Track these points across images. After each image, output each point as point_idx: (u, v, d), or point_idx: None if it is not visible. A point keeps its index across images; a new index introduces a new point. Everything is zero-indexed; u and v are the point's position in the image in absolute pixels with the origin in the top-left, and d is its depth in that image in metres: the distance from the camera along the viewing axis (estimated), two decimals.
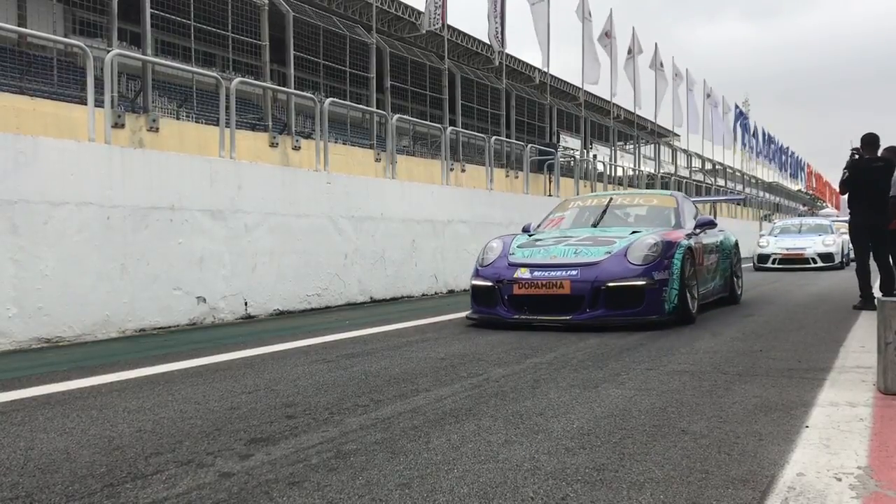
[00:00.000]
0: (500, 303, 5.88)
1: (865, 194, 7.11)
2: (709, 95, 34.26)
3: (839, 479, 2.12)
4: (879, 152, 7.24)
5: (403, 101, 17.59)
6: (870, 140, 7.28)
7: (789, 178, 55.22)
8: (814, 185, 63.07)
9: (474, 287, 6.20)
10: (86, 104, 6.14)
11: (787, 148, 53.04)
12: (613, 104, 26.92)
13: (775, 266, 15.18)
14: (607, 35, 25.19)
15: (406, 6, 18.79)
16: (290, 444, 2.55)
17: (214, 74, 8.39)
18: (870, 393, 3.28)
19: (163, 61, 10.75)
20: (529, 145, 14.71)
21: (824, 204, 60.11)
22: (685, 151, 32.70)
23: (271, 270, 7.08)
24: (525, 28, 20.68)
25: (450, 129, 12.28)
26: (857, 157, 7.22)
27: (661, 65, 29.09)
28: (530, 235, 6.80)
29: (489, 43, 20.15)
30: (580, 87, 24.97)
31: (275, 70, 14.34)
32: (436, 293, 9.54)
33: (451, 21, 18.59)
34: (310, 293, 7.54)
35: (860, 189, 7.18)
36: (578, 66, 23.58)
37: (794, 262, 15.10)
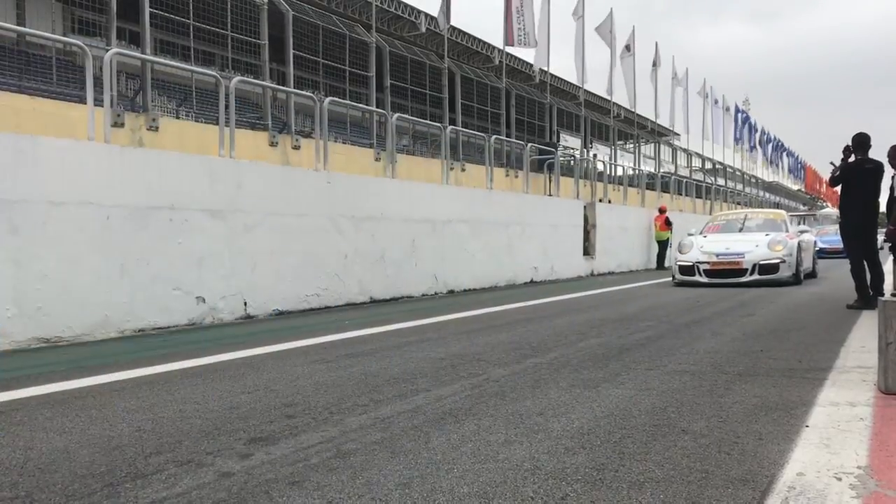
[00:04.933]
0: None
1: (856, 195, 7.16)
2: (707, 95, 34.23)
3: (839, 479, 2.12)
4: (885, 153, 7.27)
5: (403, 100, 17.57)
6: (861, 141, 7.31)
7: (792, 178, 55.22)
8: (821, 191, 62.94)
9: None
10: (85, 103, 6.13)
11: (788, 148, 53.04)
12: (613, 103, 26.90)
13: (707, 280, 10.70)
14: (610, 32, 25.17)
15: (406, 5, 18.77)
16: (289, 444, 2.55)
17: (214, 73, 8.38)
18: (870, 393, 3.27)
19: (162, 60, 10.73)
20: (529, 144, 14.71)
21: (824, 204, 60.06)
22: (685, 151, 32.69)
23: (271, 270, 7.08)
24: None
25: (450, 128, 12.27)
26: (849, 157, 7.28)
27: (659, 64, 29.05)
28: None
29: (502, 46, 20.17)
30: (580, 85, 24.96)
31: (274, 69, 14.32)
32: (436, 293, 9.54)
33: (451, 20, 18.57)
34: (309, 293, 7.54)
35: (851, 190, 7.23)
36: (579, 65, 23.56)
37: (727, 275, 10.62)
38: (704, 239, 11.42)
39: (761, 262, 10.37)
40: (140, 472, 2.26)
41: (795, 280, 10.53)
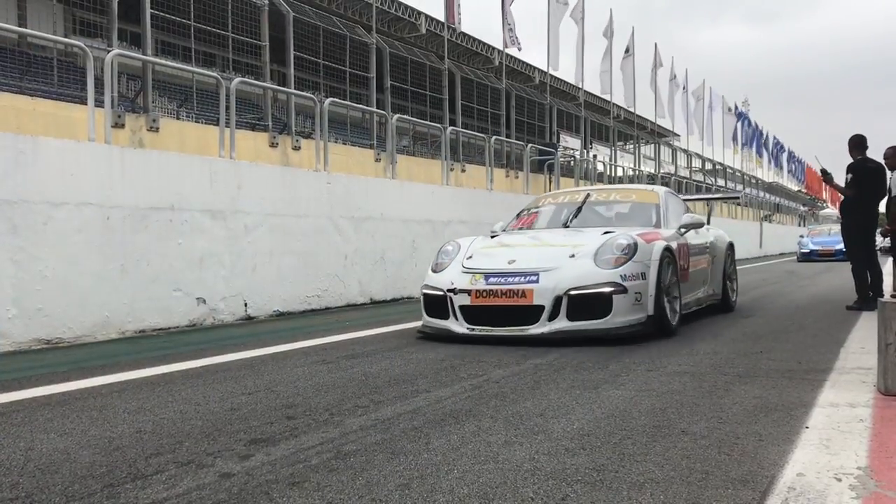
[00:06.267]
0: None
1: (857, 195, 7.17)
2: (700, 97, 34.22)
3: (839, 480, 2.12)
4: (882, 152, 7.29)
5: (403, 101, 17.58)
6: (859, 142, 7.34)
7: (794, 179, 55.22)
8: (824, 194, 62.87)
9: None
10: (86, 104, 6.14)
11: (788, 148, 53.03)
12: (613, 104, 26.92)
13: (466, 331, 5.17)
14: (605, 35, 25.24)
15: (406, 6, 18.79)
16: (290, 445, 2.55)
17: (214, 74, 8.38)
18: (870, 394, 3.28)
19: (163, 61, 10.74)
20: (529, 145, 14.72)
21: (824, 204, 60.01)
22: (685, 151, 32.69)
23: (271, 271, 7.08)
24: (526, 28, 20.75)
25: (450, 129, 12.28)
26: (831, 182, 7.45)
27: (660, 64, 29.08)
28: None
29: (501, 48, 20.23)
30: (579, 86, 24.99)
31: (275, 70, 14.33)
32: None
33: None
34: (310, 294, 7.54)
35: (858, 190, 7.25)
36: (578, 66, 23.60)
37: (502, 320, 5.10)
38: (484, 242, 5.82)
39: (571, 292, 4.90)
40: (140, 473, 2.26)
41: (656, 325, 5.15)
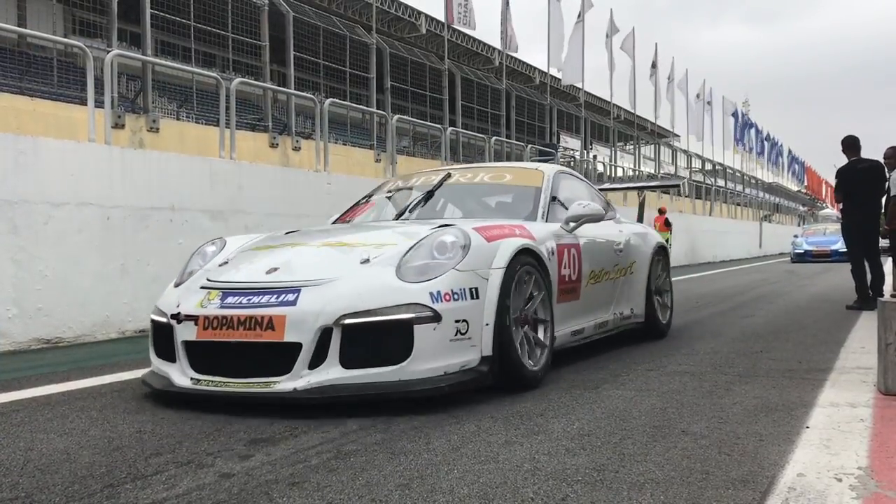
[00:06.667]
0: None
1: (856, 195, 7.18)
2: (699, 96, 34.21)
3: (839, 480, 2.12)
4: (882, 153, 7.30)
5: (403, 102, 17.59)
6: (851, 143, 7.35)
7: (794, 179, 55.23)
8: (823, 193, 62.86)
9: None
10: (86, 105, 6.14)
11: (788, 148, 53.03)
12: (613, 104, 26.93)
13: (189, 383, 3.15)
14: (608, 35, 25.26)
15: (406, 6, 18.80)
16: (290, 445, 2.55)
17: (214, 75, 8.39)
18: (870, 393, 3.28)
19: (163, 62, 10.76)
20: (529, 146, 14.72)
21: (824, 205, 60.00)
22: (685, 152, 32.70)
23: None
24: (527, 28, 20.87)
25: (450, 129, 12.28)
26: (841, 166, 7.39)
27: (656, 65, 29.09)
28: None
29: (499, 48, 20.26)
30: (580, 87, 24.99)
31: (275, 70, 14.34)
32: None
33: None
34: None
35: (851, 191, 7.26)
36: (577, 65, 23.60)
37: (240, 367, 3.06)
38: (260, 241, 3.93)
39: (347, 321, 2.92)
40: (140, 473, 2.26)
41: (495, 375, 3.22)
